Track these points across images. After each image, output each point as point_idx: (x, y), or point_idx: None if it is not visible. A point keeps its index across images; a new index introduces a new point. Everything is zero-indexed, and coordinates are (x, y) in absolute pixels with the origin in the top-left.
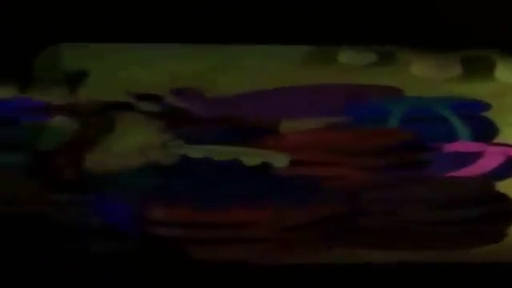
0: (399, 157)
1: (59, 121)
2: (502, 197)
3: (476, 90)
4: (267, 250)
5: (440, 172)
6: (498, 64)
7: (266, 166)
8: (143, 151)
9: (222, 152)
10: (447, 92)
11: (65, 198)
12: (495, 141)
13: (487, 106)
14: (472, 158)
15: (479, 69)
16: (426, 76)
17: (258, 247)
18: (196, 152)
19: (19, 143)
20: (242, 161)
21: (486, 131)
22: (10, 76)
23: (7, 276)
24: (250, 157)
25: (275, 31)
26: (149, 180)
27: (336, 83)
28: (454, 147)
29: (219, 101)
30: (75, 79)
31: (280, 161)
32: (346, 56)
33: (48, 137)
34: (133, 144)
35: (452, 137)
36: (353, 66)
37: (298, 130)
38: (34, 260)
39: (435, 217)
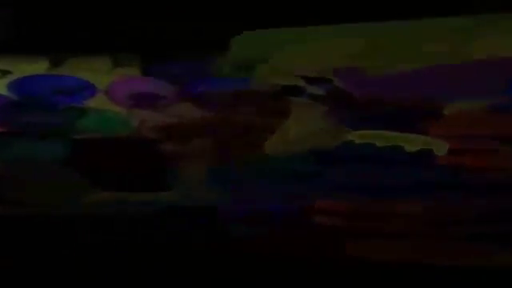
0: None
1: None
2: None
3: None
4: (420, 248)
5: None
6: None
7: (426, 154)
8: (308, 137)
9: (384, 137)
10: None
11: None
12: None
13: None
14: None
15: None
16: None
17: (413, 244)
18: (358, 138)
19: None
20: (404, 147)
21: None
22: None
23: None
24: (411, 143)
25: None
26: (311, 167)
27: (494, 59)
28: None
29: (380, 81)
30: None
31: (440, 149)
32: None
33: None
34: (299, 129)
35: None
36: None
37: (459, 113)
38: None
39: None
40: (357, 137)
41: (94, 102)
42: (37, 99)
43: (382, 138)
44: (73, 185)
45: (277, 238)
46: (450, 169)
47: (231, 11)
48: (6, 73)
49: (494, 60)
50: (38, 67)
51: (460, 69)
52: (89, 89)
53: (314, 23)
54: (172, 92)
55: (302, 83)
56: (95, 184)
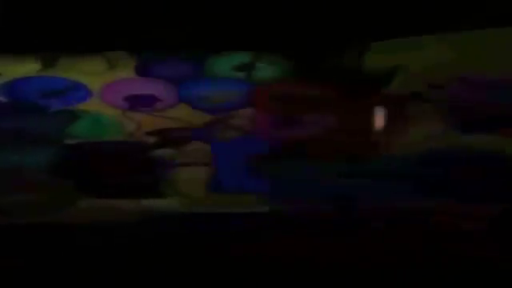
0: None
1: None
2: None
3: None
4: None
5: None
6: None
7: None
8: (426, 140)
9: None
10: None
11: None
12: None
13: None
14: None
15: None
16: None
17: None
18: (474, 142)
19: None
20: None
21: None
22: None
23: None
24: None
25: None
26: (429, 169)
27: None
28: None
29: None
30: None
31: None
32: None
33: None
34: (419, 132)
35: None
36: None
37: None
38: None
39: None
40: (473, 141)
41: (88, 105)
42: (27, 102)
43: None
44: (64, 192)
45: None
46: None
47: (227, 13)
48: None
49: None
50: (29, 68)
51: None
52: (82, 91)
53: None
54: (169, 94)
55: (425, 89)
56: (87, 191)
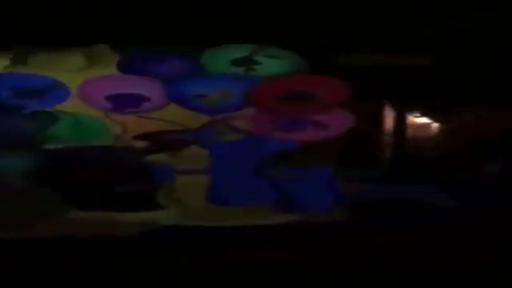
0: None
1: None
2: None
3: None
4: None
5: None
6: None
7: None
8: None
9: None
10: None
11: None
12: None
13: None
14: None
15: None
16: None
17: None
18: None
19: None
20: None
21: None
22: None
23: None
24: None
25: None
26: None
27: None
28: None
29: None
30: None
31: None
32: None
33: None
34: None
35: None
36: None
37: None
38: None
39: None
40: None
41: (66, 106)
42: None
43: None
44: (48, 202)
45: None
46: None
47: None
48: None
49: None
50: None
51: None
52: (59, 90)
53: None
54: (157, 93)
55: None
56: (75, 202)
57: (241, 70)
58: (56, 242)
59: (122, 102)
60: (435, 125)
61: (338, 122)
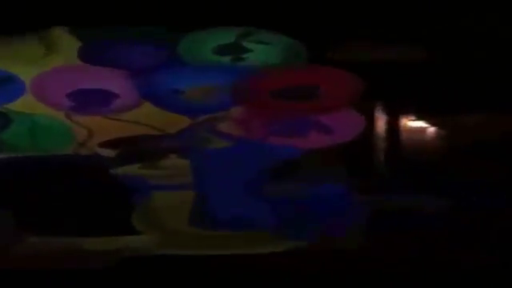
0: None
1: None
2: None
3: None
4: None
5: None
6: None
7: None
8: None
9: None
10: None
11: None
12: None
13: None
14: None
15: None
16: None
17: None
18: None
19: None
20: None
21: None
22: None
23: None
24: None
25: None
26: None
27: None
28: None
29: None
30: None
31: None
32: None
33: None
34: None
35: None
36: None
37: None
38: None
39: None
40: None
41: (19, 104)
42: None
43: None
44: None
45: None
46: None
47: None
48: None
49: None
50: None
51: None
52: (12, 84)
53: None
54: (129, 88)
55: None
56: (25, 226)
57: (226, 59)
58: (4, 276)
59: (87, 100)
60: (441, 128)
61: (345, 124)
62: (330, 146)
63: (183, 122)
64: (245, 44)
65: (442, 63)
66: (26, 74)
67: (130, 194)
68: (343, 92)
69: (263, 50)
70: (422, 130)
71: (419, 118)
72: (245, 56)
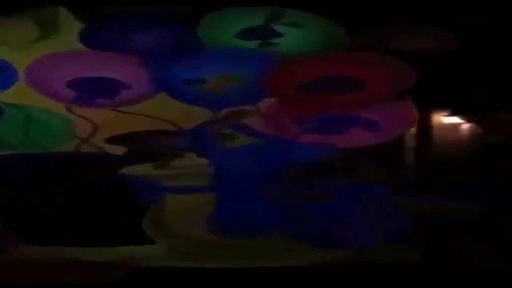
0: None
1: None
2: None
3: None
4: None
5: None
6: None
7: None
8: None
9: None
10: None
11: None
12: None
13: None
14: None
15: None
16: None
17: None
18: None
19: None
20: None
21: None
22: None
23: None
24: None
25: None
26: None
27: None
28: None
29: None
30: None
31: None
32: None
33: None
34: None
35: None
36: None
37: None
38: None
39: None
40: None
41: (13, 95)
42: None
43: None
44: None
45: None
46: None
47: None
48: None
49: None
50: None
51: None
52: (4, 72)
53: None
54: (140, 76)
55: None
56: (21, 234)
57: (254, 44)
58: None
59: (91, 90)
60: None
61: (393, 120)
62: (371, 144)
63: (203, 115)
64: (275, 27)
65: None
66: (19, 59)
67: (141, 197)
68: (391, 84)
69: (297, 35)
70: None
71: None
72: (275, 41)
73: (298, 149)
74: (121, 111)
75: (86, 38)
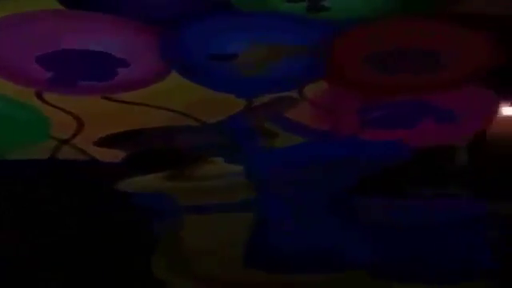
0: None
1: None
2: None
3: None
4: None
5: None
6: None
7: None
8: None
9: None
10: None
11: None
12: None
13: None
14: None
15: None
16: None
17: None
18: None
19: None
20: None
21: None
22: None
23: None
24: None
25: None
26: None
27: None
28: None
29: None
30: None
31: None
32: None
33: None
34: None
35: None
36: None
37: None
38: None
39: None
40: None
41: None
42: None
43: None
44: None
45: None
46: None
47: None
48: None
49: None
50: None
51: None
52: None
53: None
54: (144, 50)
55: None
56: None
57: (300, 7)
58: None
59: (73, 69)
60: None
61: (474, 108)
62: (451, 140)
63: (233, 104)
64: None
65: None
66: None
67: (147, 221)
68: (473, 62)
69: None
70: None
71: None
72: (326, 4)
73: (359, 148)
74: (116, 100)
75: None
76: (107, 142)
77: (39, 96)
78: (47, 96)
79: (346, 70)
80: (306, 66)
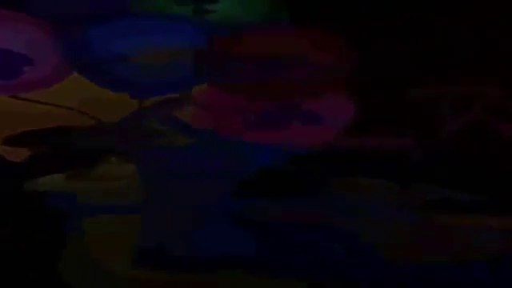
0: None
1: None
2: None
3: None
4: None
5: None
6: None
7: None
8: None
9: None
10: None
11: None
12: None
13: None
14: None
15: None
16: None
17: None
18: None
19: None
20: None
21: None
22: None
23: None
24: None
25: None
26: None
27: None
28: None
29: None
30: None
31: None
32: None
33: None
34: None
35: None
36: None
37: None
38: None
39: None
40: None
41: None
42: None
43: None
44: None
45: None
46: None
47: None
48: None
49: None
50: None
51: None
52: None
53: None
54: (48, 49)
55: None
56: None
57: (188, 10)
58: None
59: None
60: None
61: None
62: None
63: (128, 105)
64: None
65: None
66: None
67: (54, 223)
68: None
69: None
70: None
71: None
72: (210, 8)
73: (247, 149)
74: (20, 98)
75: None
76: (11, 141)
77: None
78: None
79: (230, 73)
80: (192, 68)
